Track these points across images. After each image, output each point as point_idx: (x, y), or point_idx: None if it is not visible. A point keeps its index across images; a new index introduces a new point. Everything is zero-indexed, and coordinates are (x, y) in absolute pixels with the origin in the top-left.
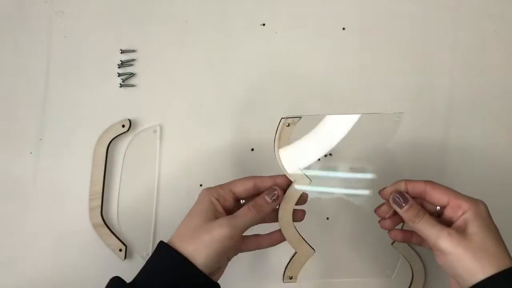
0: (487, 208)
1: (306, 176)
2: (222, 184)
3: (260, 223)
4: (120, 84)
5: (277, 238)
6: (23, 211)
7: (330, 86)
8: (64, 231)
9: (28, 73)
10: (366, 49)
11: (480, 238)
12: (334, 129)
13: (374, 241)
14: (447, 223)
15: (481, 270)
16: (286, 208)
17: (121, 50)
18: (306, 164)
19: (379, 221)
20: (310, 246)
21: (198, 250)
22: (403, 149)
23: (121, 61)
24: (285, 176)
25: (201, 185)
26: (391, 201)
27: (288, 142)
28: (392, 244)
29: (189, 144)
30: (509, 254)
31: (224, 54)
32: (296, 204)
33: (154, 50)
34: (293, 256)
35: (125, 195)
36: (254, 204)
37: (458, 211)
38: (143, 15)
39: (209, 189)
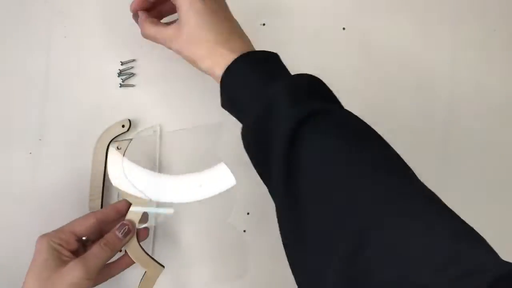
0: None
1: (143, 196)
2: (61, 228)
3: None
4: (120, 84)
5: (126, 262)
6: (23, 211)
7: (330, 86)
8: None
9: (28, 73)
10: (366, 48)
11: (189, 29)
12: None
13: None
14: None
15: (196, 58)
16: None
17: (121, 62)
18: (138, 182)
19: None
20: (159, 263)
21: None
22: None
23: (121, 61)
24: (124, 200)
25: (201, 185)
26: (133, 18)
27: (121, 166)
28: None
29: (189, 144)
30: (221, 32)
31: None
32: (140, 222)
33: (154, 50)
34: (144, 275)
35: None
36: (106, 242)
37: (177, 7)
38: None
39: (46, 235)
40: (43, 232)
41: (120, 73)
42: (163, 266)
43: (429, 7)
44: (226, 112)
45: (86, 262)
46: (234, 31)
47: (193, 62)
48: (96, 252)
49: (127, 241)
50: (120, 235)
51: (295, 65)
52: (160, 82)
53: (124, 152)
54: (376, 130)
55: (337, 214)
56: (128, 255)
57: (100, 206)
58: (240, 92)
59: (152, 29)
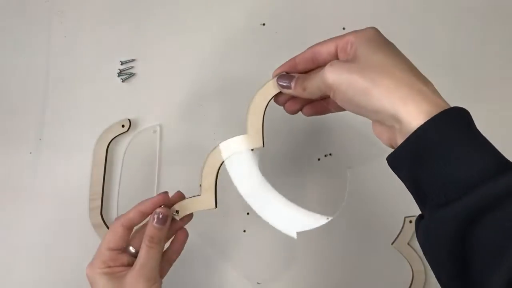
0: (378, 31)
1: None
2: (98, 250)
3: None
4: (120, 83)
5: (180, 239)
6: (23, 211)
7: None
8: (64, 231)
9: (28, 73)
10: None
11: (368, 57)
12: None
13: (373, 241)
14: None
15: (373, 85)
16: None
17: (121, 62)
18: None
19: (284, 109)
20: (216, 202)
21: None
22: None
23: (121, 61)
24: (148, 201)
25: (200, 185)
26: (279, 88)
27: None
28: (392, 244)
29: (189, 144)
30: (410, 69)
31: (224, 53)
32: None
33: (153, 50)
34: (196, 195)
35: (125, 195)
36: (149, 239)
37: (347, 46)
38: (143, 14)
39: (91, 266)
40: (43, 232)
41: (120, 73)
42: (216, 207)
43: (429, 7)
44: (226, 112)
45: (141, 269)
46: (416, 68)
47: (364, 94)
48: (144, 254)
49: (168, 227)
50: (157, 225)
51: None
52: (160, 82)
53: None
54: None
55: None
56: (174, 229)
57: (100, 206)
58: (448, 158)
59: (312, 76)
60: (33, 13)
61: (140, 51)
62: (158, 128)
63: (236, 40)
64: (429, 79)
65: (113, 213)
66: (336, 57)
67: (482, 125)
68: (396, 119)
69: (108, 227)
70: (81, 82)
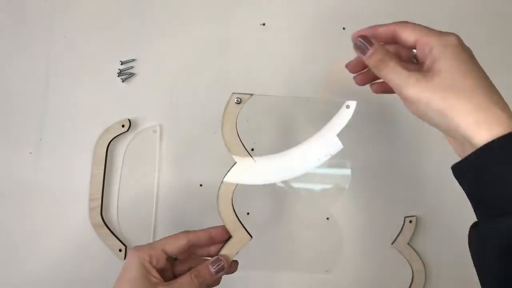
0: (461, 40)
1: (245, 229)
2: (152, 243)
3: None
4: (120, 83)
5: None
6: (23, 211)
7: (331, 86)
8: (64, 231)
9: (28, 73)
10: None
11: (448, 75)
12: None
13: (373, 241)
14: (420, 69)
15: (450, 108)
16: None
17: (121, 62)
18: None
19: (354, 78)
20: (248, 232)
21: None
22: (401, 149)
23: (121, 61)
24: (221, 228)
25: (201, 185)
26: (354, 47)
27: (235, 122)
28: (392, 244)
29: (189, 144)
30: (487, 88)
31: (224, 53)
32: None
33: (154, 50)
34: (228, 240)
35: (125, 195)
36: (197, 274)
37: (426, 49)
38: (143, 14)
39: (138, 249)
40: (43, 232)
41: (120, 73)
42: (251, 236)
43: (428, 7)
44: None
45: None
46: (496, 89)
47: (440, 114)
48: (185, 282)
49: (219, 277)
50: (213, 270)
51: (295, 65)
52: (160, 82)
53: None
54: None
55: None
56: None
57: (100, 206)
58: (509, 175)
59: (394, 69)
60: (33, 13)
61: (140, 51)
62: (158, 128)
63: (236, 40)
64: None
65: (113, 213)
66: (412, 48)
67: None
68: (468, 139)
69: (108, 227)
70: (81, 82)
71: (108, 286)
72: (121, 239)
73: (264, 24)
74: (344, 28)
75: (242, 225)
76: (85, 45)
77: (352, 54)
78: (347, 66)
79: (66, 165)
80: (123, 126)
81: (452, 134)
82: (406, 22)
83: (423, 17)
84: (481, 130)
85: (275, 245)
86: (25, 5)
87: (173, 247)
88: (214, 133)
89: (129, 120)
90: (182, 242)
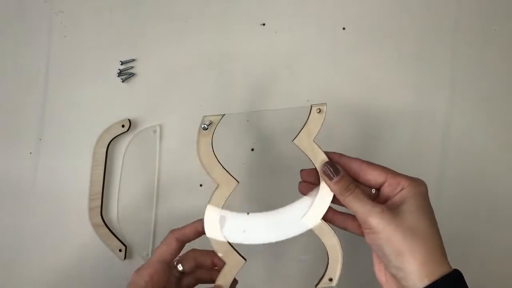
0: (427, 190)
1: (238, 253)
2: (148, 261)
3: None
4: (120, 84)
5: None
6: (23, 211)
7: (331, 85)
8: (64, 231)
9: (28, 73)
10: (366, 49)
11: (413, 218)
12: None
13: None
14: (383, 203)
15: (410, 252)
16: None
17: (121, 62)
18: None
19: (299, 183)
20: (241, 256)
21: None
22: (402, 147)
23: (121, 61)
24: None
25: (201, 185)
26: (321, 172)
27: (210, 144)
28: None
29: (189, 144)
30: (440, 240)
31: (224, 54)
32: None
33: (154, 50)
34: (223, 267)
35: (125, 195)
36: None
37: (397, 187)
38: (143, 14)
39: (137, 273)
40: (43, 232)
41: (120, 73)
42: (245, 259)
43: (429, 7)
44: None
45: None
46: (439, 233)
47: (397, 253)
48: None
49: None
50: None
51: (294, 64)
52: (160, 82)
53: (215, 128)
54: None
55: None
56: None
57: (100, 206)
58: None
59: (360, 197)
60: (33, 13)
61: (140, 51)
62: (158, 128)
63: (236, 40)
64: (429, 76)
65: (113, 213)
66: (374, 188)
67: None
68: (406, 278)
69: (108, 227)
70: (81, 82)
71: (108, 286)
72: (121, 239)
73: (264, 24)
74: (344, 28)
75: (234, 249)
76: (85, 45)
77: (351, 54)
78: (301, 171)
79: (66, 165)
80: (123, 126)
81: (393, 270)
82: (372, 163)
83: (424, 17)
84: (425, 280)
85: (275, 245)
86: (25, 5)
87: (168, 254)
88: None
89: (129, 120)
90: (173, 246)
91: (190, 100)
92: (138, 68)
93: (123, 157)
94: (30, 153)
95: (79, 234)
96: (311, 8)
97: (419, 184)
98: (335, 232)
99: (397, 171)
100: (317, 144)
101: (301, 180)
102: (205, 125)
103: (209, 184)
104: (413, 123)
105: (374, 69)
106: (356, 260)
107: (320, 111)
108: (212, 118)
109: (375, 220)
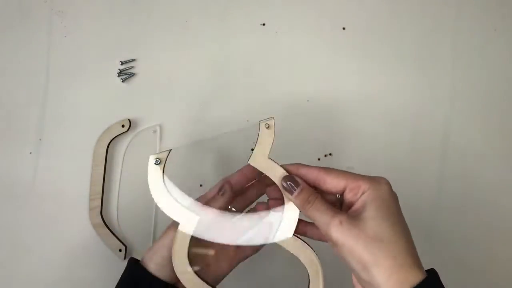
0: (391, 188)
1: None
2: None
3: None
4: (120, 84)
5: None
6: (23, 211)
7: (331, 86)
8: (64, 231)
9: (28, 73)
10: (366, 49)
11: (375, 225)
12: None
13: None
14: (347, 210)
15: (374, 264)
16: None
17: (121, 62)
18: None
19: (268, 199)
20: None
21: (150, 256)
22: (402, 147)
23: (121, 61)
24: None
25: (201, 185)
26: (281, 188)
27: (161, 181)
28: None
29: (189, 144)
30: (408, 244)
31: (224, 54)
32: None
33: (154, 50)
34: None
35: (125, 195)
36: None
37: (358, 192)
38: (143, 14)
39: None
40: (43, 232)
41: (120, 73)
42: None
43: (429, 7)
44: (226, 112)
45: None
46: (410, 236)
47: (362, 266)
48: None
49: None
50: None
51: (294, 63)
52: (160, 82)
53: (164, 166)
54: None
55: None
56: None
57: (100, 206)
58: None
59: (320, 209)
60: (33, 13)
61: (140, 51)
62: (158, 128)
63: (236, 40)
64: (429, 76)
65: (113, 213)
66: (341, 192)
67: None
68: None
69: (108, 227)
70: (81, 82)
71: (108, 286)
72: (121, 239)
73: (264, 24)
74: (344, 28)
75: (205, 281)
76: (85, 45)
77: (351, 55)
78: (267, 189)
79: (66, 165)
80: (123, 126)
81: (366, 286)
82: (331, 168)
83: (423, 17)
84: (393, 283)
85: (275, 245)
86: (25, 5)
87: (242, 182)
88: (214, 133)
89: (129, 120)
90: (244, 178)
91: (190, 100)
92: (138, 68)
93: (123, 157)
94: (30, 153)
95: (79, 234)
96: (311, 8)
97: (379, 185)
98: (310, 245)
99: (397, 171)
100: (273, 160)
101: (268, 198)
102: (157, 159)
103: (209, 184)
104: (413, 123)
105: (374, 69)
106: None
107: (269, 126)
108: (159, 156)
109: (334, 233)
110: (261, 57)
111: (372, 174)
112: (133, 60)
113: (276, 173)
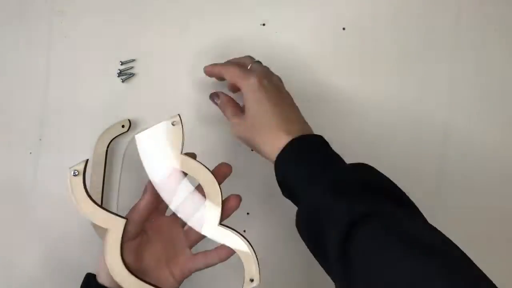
0: (260, 80)
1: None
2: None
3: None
4: (120, 84)
5: (226, 252)
6: (23, 211)
7: (331, 86)
8: (64, 231)
9: (28, 73)
10: (367, 49)
11: (250, 115)
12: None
13: None
14: None
15: (259, 143)
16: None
17: (121, 62)
18: None
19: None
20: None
21: (102, 266)
22: (402, 147)
23: (121, 61)
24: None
25: None
26: (211, 99)
27: (83, 191)
28: None
29: (189, 144)
30: (282, 119)
31: (224, 53)
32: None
33: (154, 50)
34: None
35: (125, 195)
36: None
37: (241, 92)
38: (143, 15)
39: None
40: (43, 232)
41: (120, 73)
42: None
43: (429, 7)
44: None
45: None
46: (292, 116)
47: (253, 147)
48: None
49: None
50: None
51: (294, 65)
52: (160, 82)
53: (84, 176)
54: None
55: None
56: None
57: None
58: (292, 178)
59: (229, 108)
60: (33, 13)
61: (140, 51)
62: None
63: (236, 40)
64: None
65: None
66: (235, 87)
67: None
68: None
69: None
70: (81, 82)
71: None
72: None
73: (264, 25)
74: (344, 28)
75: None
76: (85, 45)
77: (351, 55)
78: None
79: (66, 165)
80: (123, 126)
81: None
82: (227, 66)
83: (424, 17)
84: (273, 154)
85: (275, 245)
86: (25, 5)
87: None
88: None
89: (129, 120)
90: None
91: (190, 100)
92: (138, 68)
93: (123, 157)
94: (30, 153)
95: (79, 234)
96: (311, 8)
97: (248, 82)
98: (239, 233)
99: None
100: (185, 155)
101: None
102: (75, 171)
103: None
104: (413, 124)
105: (374, 70)
106: None
107: (175, 123)
108: (77, 167)
109: (232, 130)
110: (261, 57)
111: None
112: (133, 60)
113: (189, 165)
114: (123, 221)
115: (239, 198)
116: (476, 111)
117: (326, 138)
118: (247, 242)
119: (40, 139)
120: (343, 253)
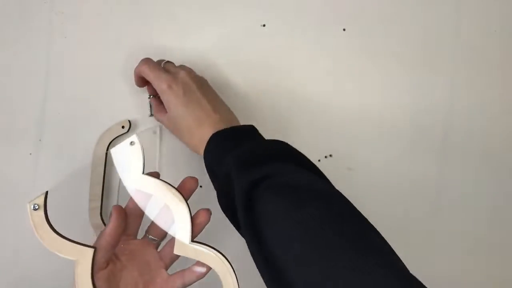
0: (170, 83)
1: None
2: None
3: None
4: (120, 84)
5: (202, 269)
6: (23, 211)
7: (331, 86)
8: (64, 231)
9: (28, 73)
10: (367, 49)
11: (171, 111)
12: None
13: None
14: None
15: (182, 135)
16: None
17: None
18: None
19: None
20: (224, 257)
21: None
22: (402, 147)
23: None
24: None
25: (201, 186)
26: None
27: (46, 225)
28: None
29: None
30: (203, 113)
31: (224, 54)
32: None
33: (154, 50)
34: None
35: (125, 196)
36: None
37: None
38: (143, 15)
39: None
40: None
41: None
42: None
43: (429, 8)
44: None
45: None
46: (212, 111)
47: (180, 140)
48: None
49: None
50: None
51: (294, 65)
52: None
53: (45, 209)
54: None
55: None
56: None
57: (100, 207)
58: (213, 164)
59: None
60: (33, 13)
61: (140, 51)
62: (158, 129)
63: (236, 41)
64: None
65: None
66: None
67: None
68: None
69: None
70: (81, 82)
71: None
72: None
73: (264, 25)
74: (344, 29)
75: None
76: (85, 45)
77: (352, 55)
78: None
79: (66, 165)
80: (123, 127)
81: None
82: (142, 65)
83: (424, 17)
84: (200, 150)
85: None
86: (25, 5)
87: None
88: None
89: (129, 121)
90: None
91: None
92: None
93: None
94: (30, 154)
95: (79, 234)
96: (311, 9)
97: (159, 87)
98: (213, 248)
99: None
100: (147, 175)
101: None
102: (35, 205)
103: (209, 184)
104: (413, 124)
105: (374, 70)
106: None
107: (133, 143)
108: (36, 201)
109: (159, 119)
110: (261, 57)
111: (373, 175)
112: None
113: (150, 186)
114: (91, 250)
115: (208, 212)
116: (476, 111)
117: (326, 136)
118: (222, 256)
119: (40, 140)
120: (248, 208)
